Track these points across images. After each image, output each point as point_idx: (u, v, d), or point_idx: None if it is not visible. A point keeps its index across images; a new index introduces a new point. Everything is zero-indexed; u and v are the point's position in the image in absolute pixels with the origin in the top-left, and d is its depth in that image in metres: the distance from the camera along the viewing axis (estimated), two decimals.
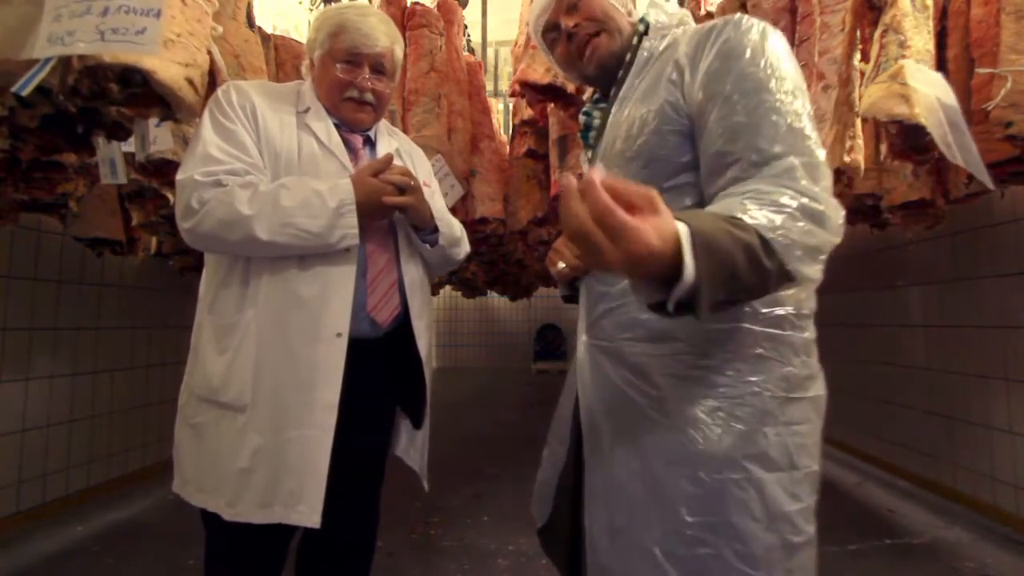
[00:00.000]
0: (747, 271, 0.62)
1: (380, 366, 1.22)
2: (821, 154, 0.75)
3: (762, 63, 0.78)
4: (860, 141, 1.60)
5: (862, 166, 1.62)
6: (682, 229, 0.58)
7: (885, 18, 1.42)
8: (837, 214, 0.72)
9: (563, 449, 1.04)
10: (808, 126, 0.76)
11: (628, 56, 0.98)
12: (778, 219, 0.66)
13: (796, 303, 0.83)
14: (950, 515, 2.57)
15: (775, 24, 2.03)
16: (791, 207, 0.68)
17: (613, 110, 0.95)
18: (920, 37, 1.40)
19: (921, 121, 1.28)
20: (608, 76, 0.99)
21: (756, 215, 0.66)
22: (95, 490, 2.84)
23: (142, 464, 3.16)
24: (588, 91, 1.18)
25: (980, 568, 2.07)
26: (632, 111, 0.89)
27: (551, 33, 1.03)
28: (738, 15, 0.84)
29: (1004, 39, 1.56)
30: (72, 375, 2.74)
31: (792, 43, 1.94)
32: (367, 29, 1.19)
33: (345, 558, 1.27)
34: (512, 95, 2.38)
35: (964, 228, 2.64)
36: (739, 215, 0.65)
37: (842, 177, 1.63)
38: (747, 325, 0.81)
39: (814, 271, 0.69)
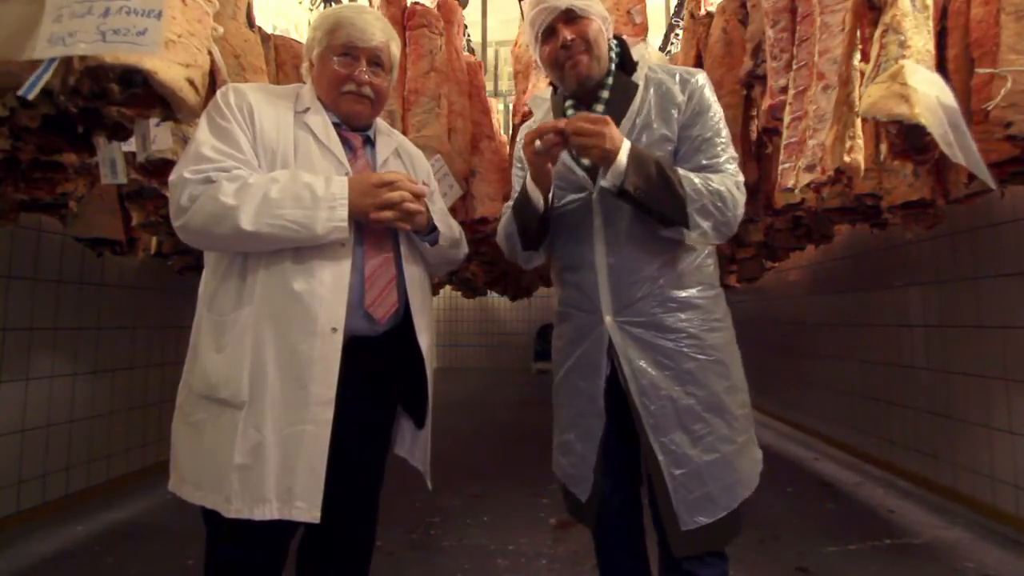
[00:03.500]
0: (659, 186, 1.12)
1: (379, 364, 1.22)
2: (741, 176, 1.24)
3: (719, 121, 1.25)
4: (860, 141, 1.60)
5: (862, 166, 1.61)
6: (626, 143, 1.12)
7: (885, 18, 1.41)
8: (738, 211, 1.19)
9: (600, 422, 1.23)
10: (733, 157, 1.25)
11: (608, 75, 1.27)
12: (700, 185, 1.15)
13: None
14: (950, 515, 2.57)
15: (775, 24, 2.04)
16: (713, 188, 1.15)
17: (623, 122, 1.23)
18: (920, 37, 1.40)
19: (921, 121, 1.28)
20: (583, 89, 1.27)
21: (691, 175, 1.15)
22: (95, 490, 2.84)
23: (142, 464, 3.16)
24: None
25: (980, 568, 2.07)
26: (646, 132, 1.23)
27: (546, 33, 1.25)
28: (701, 72, 1.29)
29: (1004, 39, 1.56)
30: (72, 375, 2.75)
31: (792, 43, 1.95)
32: (362, 24, 1.21)
33: (344, 557, 1.27)
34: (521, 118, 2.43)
35: (964, 228, 2.64)
36: (679, 169, 1.16)
37: (842, 177, 1.63)
38: (718, 290, 1.29)
39: (704, 225, 1.16)
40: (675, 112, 1.22)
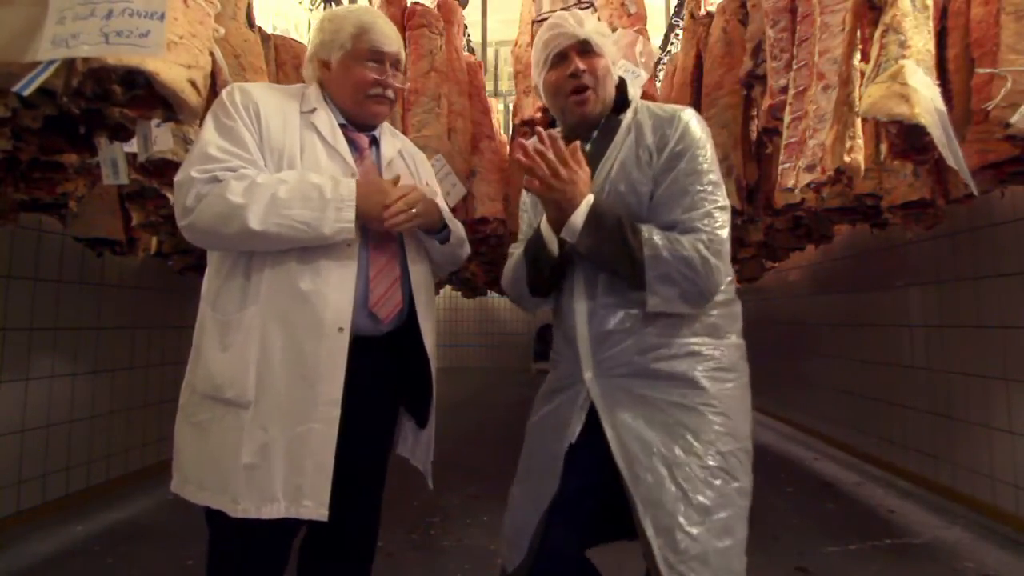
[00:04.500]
0: (614, 246, 1.02)
1: (383, 364, 1.23)
2: (724, 233, 1.05)
3: (703, 163, 1.07)
4: (860, 141, 1.60)
5: (862, 166, 1.62)
6: (587, 199, 1.03)
7: (885, 18, 1.42)
8: (712, 279, 1.02)
9: (552, 485, 1.05)
10: (719, 208, 1.06)
11: (602, 120, 1.17)
12: (664, 250, 1.00)
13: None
14: (950, 515, 2.57)
15: (775, 24, 2.04)
16: (680, 254, 1.00)
17: (601, 175, 1.12)
18: (920, 37, 1.40)
19: (921, 121, 1.28)
20: (582, 126, 1.18)
21: (655, 239, 1.01)
22: (95, 490, 2.84)
23: (142, 464, 3.16)
24: None
25: (980, 568, 2.08)
26: (622, 176, 1.11)
27: (557, 57, 1.16)
28: (688, 112, 1.12)
29: (1004, 39, 1.56)
30: (72, 375, 2.74)
31: (792, 43, 1.95)
32: (386, 30, 1.25)
33: (347, 557, 1.27)
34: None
35: (964, 228, 2.64)
36: (643, 229, 1.02)
37: (842, 177, 1.63)
38: (731, 340, 1.11)
39: (668, 293, 1.01)
40: (648, 157, 1.10)
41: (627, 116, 1.17)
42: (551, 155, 1.01)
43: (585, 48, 1.14)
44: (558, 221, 1.05)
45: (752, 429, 1.10)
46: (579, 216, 1.02)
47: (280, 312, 1.09)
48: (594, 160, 1.12)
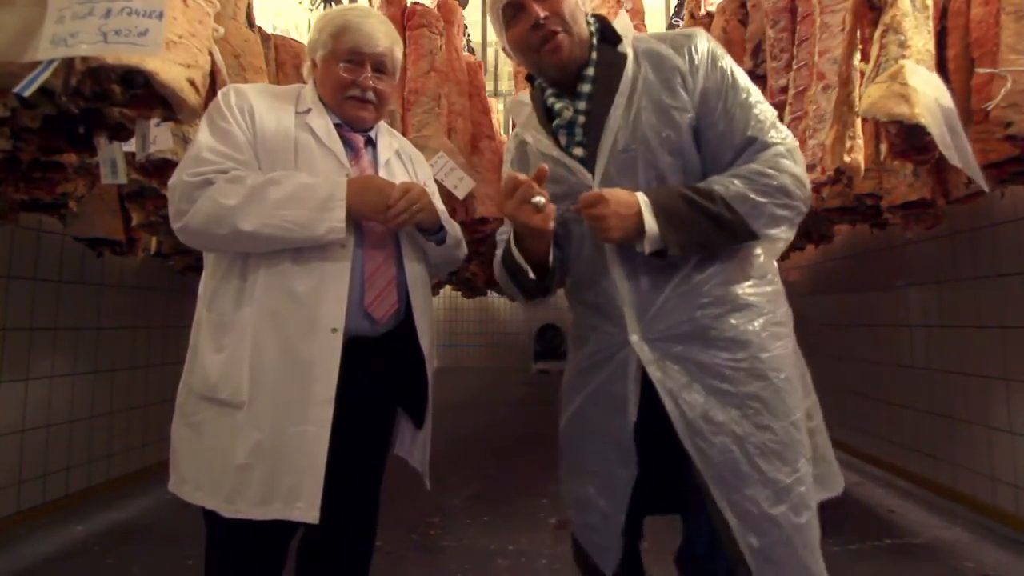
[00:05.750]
0: (703, 226, 0.92)
1: (379, 365, 1.22)
2: (791, 135, 0.99)
3: (737, 72, 1.01)
4: (860, 141, 1.60)
5: (862, 166, 1.62)
6: (642, 199, 0.92)
7: (885, 18, 1.42)
8: (806, 191, 0.96)
9: (630, 473, 0.98)
10: (774, 114, 1.00)
11: (593, 56, 1.05)
12: (751, 192, 0.92)
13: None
14: (950, 515, 2.57)
15: (775, 24, 2.04)
16: (773, 184, 0.93)
17: (619, 111, 1.00)
18: (920, 37, 1.40)
19: (921, 121, 1.28)
20: (565, 74, 1.05)
21: (734, 184, 0.93)
22: (95, 490, 2.84)
23: (142, 464, 3.16)
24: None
25: (980, 568, 2.07)
26: (647, 107, 1.00)
27: (511, 10, 1.03)
28: (695, 30, 1.04)
29: (1004, 39, 1.56)
30: (72, 375, 2.74)
31: (792, 43, 1.95)
32: (368, 29, 1.21)
33: (344, 558, 1.27)
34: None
35: (964, 228, 2.64)
36: (714, 186, 0.93)
37: (842, 177, 1.63)
38: (777, 285, 1.04)
39: (779, 231, 0.95)
40: (679, 79, 0.99)
41: (628, 47, 1.04)
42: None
43: None
44: (626, 239, 0.93)
45: (809, 380, 1.04)
46: (649, 221, 0.91)
47: (273, 312, 1.09)
48: (601, 98, 1.01)
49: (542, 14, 0.99)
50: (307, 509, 1.06)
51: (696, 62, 0.99)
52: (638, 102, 1.00)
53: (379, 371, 1.23)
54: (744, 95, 0.98)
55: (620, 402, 0.97)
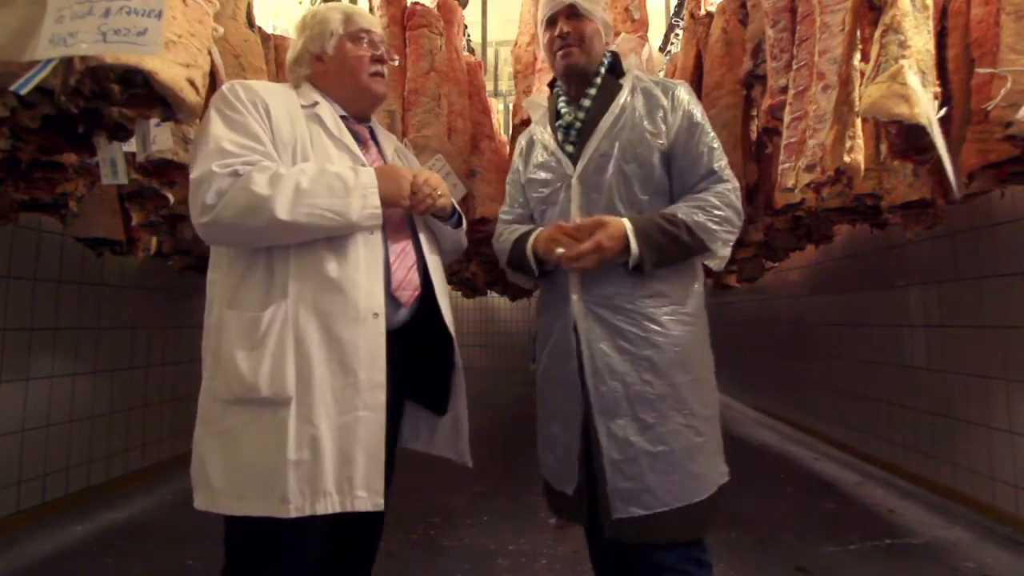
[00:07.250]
0: (670, 248, 1.20)
1: (395, 358, 1.19)
2: (733, 176, 1.30)
3: (705, 119, 1.31)
4: (860, 141, 1.60)
5: (862, 166, 1.62)
6: (628, 226, 1.19)
7: (885, 18, 1.41)
8: (741, 219, 1.28)
9: (579, 408, 1.23)
10: (724, 153, 1.31)
11: (598, 75, 1.34)
12: (704, 219, 1.21)
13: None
14: (950, 515, 2.57)
15: (775, 24, 2.04)
16: (719, 215, 1.22)
17: (606, 125, 1.30)
18: (920, 37, 1.40)
19: (921, 121, 1.28)
20: (572, 80, 1.35)
21: (695, 217, 1.21)
22: (95, 490, 2.84)
23: (142, 464, 3.15)
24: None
25: (980, 568, 2.07)
26: (628, 129, 1.28)
27: (549, 21, 1.35)
28: (681, 82, 1.36)
29: (1004, 39, 1.56)
30: (72, 375, 2.74)
31: (792, 43, 1.95)
32: (366, 13, 1.32)
33: (349, 557, 1.27)
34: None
35: (964, 228, 2.64)
36: (679, 215, 1.21)
37: (842, 177, 1.63)
38: (697, 287, 1.30)
39: (725, 251, 1.25)
40: (661, 113, 1.28)
41: (627, 81, 1.34)
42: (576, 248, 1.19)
43: (572, 12, 1.31)
44: (616, 259, 1.20)
45: (712, 363, 1.29)
46: (632, 243, 1.18)
47: (312, 303, 1.08)
48: (596, 112, 1.30)
49: (566, 29, 1.31)
50: (370, 497, 1.06)
51: (676, 105, 1.29)
52: (624, 122, 1.29)
53: (395, 365, 1.20)
54: (709, 137, 1.28)
55: (567, 353, 1.25)
